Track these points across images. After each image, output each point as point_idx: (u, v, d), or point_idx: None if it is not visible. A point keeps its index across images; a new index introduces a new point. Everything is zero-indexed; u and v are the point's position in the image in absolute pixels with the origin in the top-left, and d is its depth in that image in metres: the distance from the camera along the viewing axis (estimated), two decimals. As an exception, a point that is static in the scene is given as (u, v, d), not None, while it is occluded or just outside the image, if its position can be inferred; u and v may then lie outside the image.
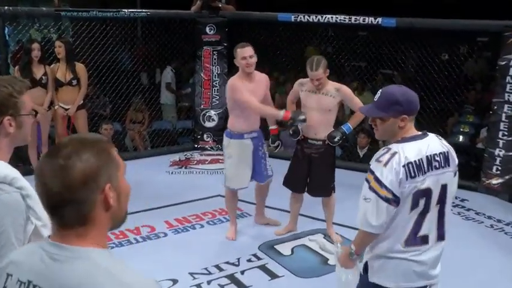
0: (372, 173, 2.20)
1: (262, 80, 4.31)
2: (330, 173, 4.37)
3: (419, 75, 7.20)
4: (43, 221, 1.65)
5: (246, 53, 4.08)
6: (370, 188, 2.20)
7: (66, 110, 5.71)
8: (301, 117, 4.13)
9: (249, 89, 4.12)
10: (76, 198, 1.13)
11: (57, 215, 1.16)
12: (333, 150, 4.38)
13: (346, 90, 4.24)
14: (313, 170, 4.31)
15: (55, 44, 5.70)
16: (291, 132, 4.29)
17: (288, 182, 4.46)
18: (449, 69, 6.96)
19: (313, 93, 4.19)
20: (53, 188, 1.12)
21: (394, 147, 2.23)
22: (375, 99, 2.28)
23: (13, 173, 1.63)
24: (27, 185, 1.64)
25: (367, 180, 2.22)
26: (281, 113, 4.13)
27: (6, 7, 5.91)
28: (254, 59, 4.10)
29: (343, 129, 4.24)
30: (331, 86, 4.22)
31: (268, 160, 4.47)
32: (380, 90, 2.29)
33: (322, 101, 4.17)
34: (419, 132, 2.31)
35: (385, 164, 2.17)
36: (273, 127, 4.50)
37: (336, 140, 4.21)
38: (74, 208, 1.14)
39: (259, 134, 4.37)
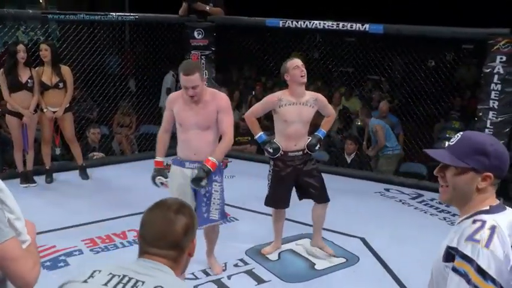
0: (469, 261, 1.47)
1: (210, 102, 3.55)
2: (321, 178, 4.24)
3: (406, 81, 7.26)
4: (16, 214, 1.70)
5: (187, 82, 3.43)
6: (471, 284, 1.46)
7: (54, 112, 5.67)
8: (274, 146, 4.07)
9: (188, 110, 3.55)
10: (177, 242, 1.50)
11: (161, 254, 1.49)
12: (312, 156, 4.29)
13: (323, 98, 4.16)
14: (305, 179, 4.15)
15: (40, 47, 5.65)
16: (271, 151, 4.08)
17: (270, 201, 4.26)
18: (436, 75, 7.03)
19: (293, 106, 4.00)
20: (161, 231, 1.50)
21: (487, 218, 1.57)
22: (450, 143, 1.67)
23: None
24: None
25: (458, 272, 1.48)
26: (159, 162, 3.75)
27: (-8, 9, 5.85)
28: (199, 88, 3.45)
29: (319, 135, 4.20)
30: (309, 95, 4.09)
31: (219, 202, 3.70)
32: (459, 133, 1.69)
33: (303, 113, 4.03)
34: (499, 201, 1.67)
35: (487, 245, 1.48)
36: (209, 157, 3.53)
37: (316, 148, 4.18)
38: (174, 251, 1.50)
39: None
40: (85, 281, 1.42)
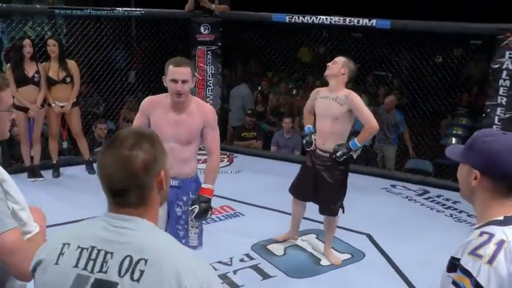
0: (469, 275, 1.41)
1: (196, 113, 3.07)
2: (336, 191, 3.99)
3: (413, 77, 7.22)
4: (20, 204, 1.70)
5: (177, 74, 2.96)
6: None
7: (61, 107, 5.69)
8: (307, 139, 4.06)
9: (168, 119, 3.06)
10: (139, 183, 1.31)
11: (122, 197, 1.32)
12: (343, 166, 3.96)
13: (353, 97, 3.82)
14: (319, 184, 4.01)
15: (48, 42, 5.66)
16: (303, 143, 4.20)
17: (291, 187, 4.25)
18: (443, 71, 6.99)
19: (324, 99, 3.90)
20: (119, 175, 1.30)
21: (497, 231, 1.45)
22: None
23: None
24: (2, 170, 1.69)
25: (457, 286, 1.43)
26: None
27: (0, 4, 5.87)
28: (188, 85, 2.98)
29: (349, 144, 3.87)
30: (343, 92, 3.84)
31: (197, 225, 3.24)
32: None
33: (330, 108, 3.84)
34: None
35: (490, 261, 1.39)
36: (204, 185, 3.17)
37: (338, 154, 3.86)
38: (137, 192, 1.32)
39: (187, 185, 3.16)
40: (56, 263, 1.30)
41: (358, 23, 6.14)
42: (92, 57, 6.85)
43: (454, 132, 7.78)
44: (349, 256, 4.24)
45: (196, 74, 7.13)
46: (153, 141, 1.35)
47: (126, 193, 1.31)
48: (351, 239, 4.53)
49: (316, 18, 6.32)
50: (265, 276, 3.90)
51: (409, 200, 5.64)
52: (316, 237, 4.54)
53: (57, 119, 5.74)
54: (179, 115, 3.03)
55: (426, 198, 5.67)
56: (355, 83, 8.57)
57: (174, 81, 2.94)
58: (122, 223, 1.31)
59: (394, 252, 4.29)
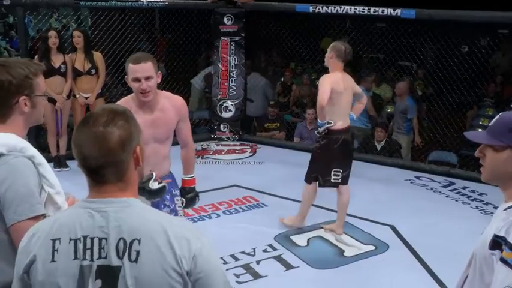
0: None
1: (169, 108, 2.93)
2: (310, 161, 4.39)
3: (439, 68, 7.12)
4: (56, 188, 1.74)
5: (138, 72, 2.73)
6: None
7: (86, 98, 5.77)
8: None
9: (144, 121, 2.67)
10: (116, 160, 1.31)
11: (99, 176, 1.31)
12: (323, 141, 4.25)
13: (321, 78, 4.22)
14: None
15: (73, 33, 5.74)
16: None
17: None
18: (469, 61, 6.87)
19: None
20: (95, 153, 1.29)
21: None
22: (490, 124, 1.64)
23: (23, 143, 1.72)
24: (38, 154, 1.73)
25: (507, 263, 1.44)
26: None
27: (26, -4, 5.96)
28: (153, 82, 2.76)
29: (319, 122, 4.22)
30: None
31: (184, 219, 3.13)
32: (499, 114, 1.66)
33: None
34: None
35: None
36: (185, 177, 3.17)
37: (316, 131, 4.34)
38: (114, 168, 1.31)
39: (170, 182, 3.02)
40: (53, 260, 1.29)
41: (382, 12, 6.07)
42: (116, 48, 6.90)
43: (481, 123, 7.65)
44: (373, 248, 4.22)
45: (219, 65, 7.14)
46: (127, 117, 1.35)
47: (103, 170, 1.31)
48: (374, 230, 4.51)
49: (340, 8, 6.27)
50: (288, 266, 3.91)
51: (434, 191, 5.58)
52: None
53: (82, 110, 5.82)
54: (153, 114, 2.85)
55: (451, 190, 5.60)
56: (379, 73, 8.51)
57: (137, 80, 2.72)
58: (105, 206, 1.30)
59: (419, 244, 4.25)
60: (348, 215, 4.73)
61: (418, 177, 5.96)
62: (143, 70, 2.70)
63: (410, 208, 5.02)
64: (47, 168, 1.73)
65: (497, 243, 1.49)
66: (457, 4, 6.11)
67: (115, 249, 1.27)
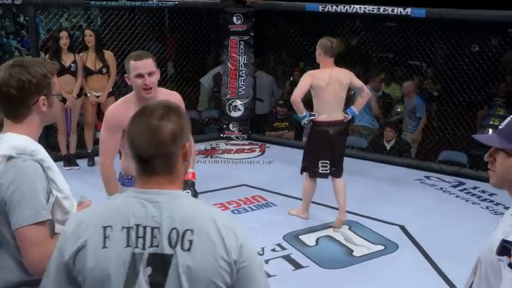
0: None
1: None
2: (303, 153, 4.63)
3: (449, 67, 7.06)
4: (64, 193, 1.72)
5: (142, 68, 2.75)
6: None
7: (97, 97, 5.80)
8: None
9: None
10: (166, 152, 1.37)
11: (149, 166, 1.37)
12: (309, 132, 4.63)
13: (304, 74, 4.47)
14: None
15: (85, 32, 5.78)
16: None
17: None
18: (480, 61, 6.82)
19: None
20: (147, 144, 1.35)
21: None
22: (500, 127, 1.57)
23: (34, 146, 1.70)
24: (48, 158, 1.72)
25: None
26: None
27: (37, -4, 6.01)
28: (155, 77, 2.79)
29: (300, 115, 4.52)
30: None
31: None
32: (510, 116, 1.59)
33: None
34: None
35: None
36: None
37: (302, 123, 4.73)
38: (164, 160, 1.37)
39: None
40: (104, 247, 1.32)
41: (392, 11, 6.05)
42: (126, 47, 6.93)
43: (491, 123, 7.58)
44: (382, 248, 4.21)
45: (228, 64, 7.15)
46: (180, 113, 1.42)
47: (153, 161, 1.36)
48: (384, 230, 4.49)
49: (350, 7, 6.25)
50: (297, 266, 3.91)
51: (444, 191, 5.55)
52: (349, 228, 4.52)
53: (93, 108, 5.86)
54: None
55: (461, 190, 5.57)
56: (388, 73, 8.47)
57: (140, 75, 2.73)
58: (157, 197, 1.36)
59: (428, 244, 4.24)
60: (357, 214, 4.74)
61: (427, 177, 5.94)
62: (145, 66, 2.73)
63: (419, 208, 5.00)
64: (56, 172, 1.72)
65: (505, 248, 1.44)
66: (467, 3, 6.07)
67: (167, 239, 1.33)
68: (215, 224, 1.35)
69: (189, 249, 1.32)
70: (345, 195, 4.52)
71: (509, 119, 1.56)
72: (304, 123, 4.58)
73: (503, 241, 1.45)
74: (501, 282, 1.43)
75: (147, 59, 2.76)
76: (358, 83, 4.53)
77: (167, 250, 1.32)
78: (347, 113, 4.53)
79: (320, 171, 4.46)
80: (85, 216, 1.40)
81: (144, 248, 1.33)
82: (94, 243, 1.33)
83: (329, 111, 4.39)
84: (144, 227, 1.34)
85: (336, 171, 4.52)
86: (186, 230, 1.33)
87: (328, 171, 4.47)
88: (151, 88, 2.75)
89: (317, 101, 4.43)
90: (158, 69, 2.82)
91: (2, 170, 1.63)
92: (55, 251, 1.40)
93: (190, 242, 1.32)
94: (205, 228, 1.34)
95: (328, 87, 4.34)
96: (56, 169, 1.72)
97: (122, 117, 2.70)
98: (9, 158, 1.64)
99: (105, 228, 1.34)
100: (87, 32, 5.76)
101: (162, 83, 7.69)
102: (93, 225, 1.36)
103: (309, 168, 4.52)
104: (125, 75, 2.82)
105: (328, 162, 4.44)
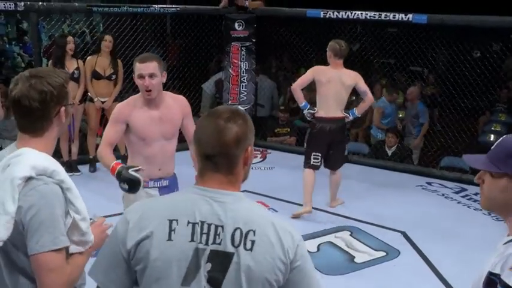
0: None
1: (173, 105, 3.07)
2: None
3: (450, 73, 7.07)
4: (82, 214, 1.67)
5: (142, 69, 2.88)
6: None
7: (102, 103, 5.81)
8: None
9: (151, 117, 2.96)
10: (229, 152, 1.43)
11: (212, 162, 1.44)
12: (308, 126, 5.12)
13: None
14: None
15: (105, 37, 5.78)
16: None
17: None
18: (482, 66, 6.82)
19: None
20: (212, 142, 1.42)
21: None
22: (491, 148, 1.53)
23: (54, 166, 1.64)
24: (68, 178, 1.66)
25: None
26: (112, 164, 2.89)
27: (40, 3, 6.04)
28: (156, 80, 2.89)
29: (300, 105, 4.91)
30: None
31: None
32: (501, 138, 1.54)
33: None
34: None
35: None
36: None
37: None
38: (226, 159, 1.44)
39: (173, 183, 3.18)
40: (169, 239, 1.38)
41: (394, 17, 6.05)
42: (128, 54, 6.95)
43: (493, 128, 7.57)
44: (384, 254, 4.20)
45: (230, 70, 7.16)
46: (245, 118, 1.48)
47: (216, 158, 1.43)
48: (385, 236, 4.48)
49: (351, 13, 6.26)
50: (298, 272, 3.89)
51: (446, 197, 5.54)
52: (350, 235, 4.51)
53: (96, 114, 5.86)
54: (159, 110, 2.99)
55: (463, 196, 5.56)
56: (390, 78, 8.47)
57: (141, 76, 2.88)
58: (222, 197, 1.43)
59: (430, 250, 4.23)
60: (358, 220, 4.74)
61: (429, 183, 5.93)
62: (147, 68, 2.85)
63: (421, 214, 4.99)
64: (75, 193, 1.66)
65: (492, 281, 1.39)
66: (469, 9, 6.08)
67: (231, 238, 1.38)
68: (274, 226, 1.42)
69: (251, 249, 1.38)
70: (337, 186, 4.97)
71: (499, 140, 1.52)
72: (307, 116, 4.86)
73: (490, 273, 1.41)
74: None
75: (150, 62, 2.88)
76: (363, 87, 4.72)
77: (229, 248, 1.38)
78: (348, 114, 4.77)
79: (312, 162, 4.77)
80: (147, 209, 1.45)
81: (207, 244, 1.38)
82: (159, 235, 1.39)
83: (326, 107, 4.68)
84: (209, 224, 1.39)
85: (333, 165, 4.86)
86: (249, 231, 1.39)
87: (319, 163, 4.77)
88: (151, 90, 2.88)
89: (318, 97, 4.77)
90: (165, 72, 2.93)
91: (22, 192, 1.56)
92: (112, 241, 1.44)
93: (253, 242, 1.39)
94: (265, 229, 1.41)
95: (329, 84, 4.63)
96: (75, 190, 1.66)
97: (128, 112, 2.98)
98: (29, 178, 1.57)
99: (171, 221, 1.40)
100: (108, 37, 5.79)
101: (163, 89, 7.74)
102: (158, 217, 1.41)
103: (304, 159, 4.86)
104: (133, 74, 2.98)
105: (319, 155, 4.75)
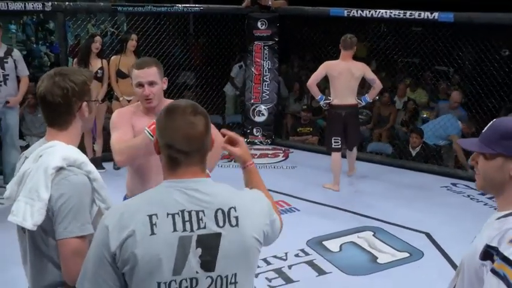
0: (508, 262, 1.37)
1: None
2: None
3: (477, 72, 6.95)
4: (107, 203, 1.79)
5: (141, 77, 2.55)
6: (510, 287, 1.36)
7: (128, 101, 5.86)
8: None
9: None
10: (202, 143, 1.49)
11: (188, 158, 1.48)
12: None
13: None
14: None
15: (131, 37, 5.84)
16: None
17: None
18: (511, 65, 6.68)
19: None
20: (187, 138, 1.46)
21: None
22: (483, 131, 1.60)
23: (82, 158, 1.77)
24: (94, 169, 1.80)
25: (498, 274, 1.38)
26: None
27: (67, 3, 6.13)
28: (157, 88, 2.57)
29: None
30: None
31: None
32: (492, 121, 1.61)
33: None
34: None
35: None
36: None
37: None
38: (200, 152, 1.50)
39: None
40: (152, 233, 1.39)
41: (419, 16, 5.97)
42: (151, 53, 7.00)
43: (521, 129, 7.41)
44: (407, 255, 4.14)
45: (253, 69, 7.17)
46: (203, 108, 1.55)
47: (192, 153, 1.48)
48: (409, 237, 4.42)
49: (376, 12, 6.20)
50: (320, 272, 3.87)
51: (471, 199, 5.44)
52: (373, 235, 4.46)
53: (123, 112, 5.92)
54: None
55: (490, 198, 5.43)
56: (414, 78, 8.36)
57: (140, 85, 2.54)
58: (195, 185, 1.47)
59: (455, 252, 4.14)
60: (382, 221, 4.70)
61: (454, 184, 5.83)
62: (146, 75, 2.53)
63: (446, 215, 4.91)
64: (101, 183, 1.79)
65: (488, 253, 1.44)
66: (497, 6, 5.96)
67: (214, 219, 1.43)
68: (249, 199, 1.55)
69: (237, 225, 1.45)
70: (353, 159, 5.71)
71: (490, 123, 1.58)
72: (323, 106, 5.46)
73: (487, 246, 1.45)
74: (483, 286, 1.42)
75: (149, 68, 2.54)
76: (370, 75, 5.34)
77: (215, 230, 1.43)
78: (361, 100, 5.37)
79: (333, 146, 5.33)
80: (124, 209, 1.46)
81: (192, 231, 1.41)
82: (142, 232, 1.39)
83: (341, 96, 5.25)
84: (189, 212, 1.43)
85: (350, 145, 5.54)
86: (230, 208, 1.46)
87: (340, 146, 5.34)
88: (151, 99, 2.55)
89: (331, 88, 5.34)
90: (165, 78, 2.64)
91: (53, 181, 1.68)
92: (94, 248, 1.44)
93: (237, 217, 1.45)
94: (243, 203, 1.49)
95: (340, 76, 5.19)
96: (101, 181, 1.79)
97: (130, 116, 2.63)
98: (60, 169, 1.70)
99: (150, 216, 1.41)
100: (134, 36, 5.86)
101: (186, 88, 7.78)
102: (137, 214, 1.42)
103: (326, 144, 5.48)
104: (131, 82, 2.64)
105: (339, 138, 5.31)
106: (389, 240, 4.37)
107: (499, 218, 1.51)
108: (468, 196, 5.51)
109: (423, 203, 5.19)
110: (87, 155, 5.07)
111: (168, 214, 1.41)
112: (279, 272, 3.83)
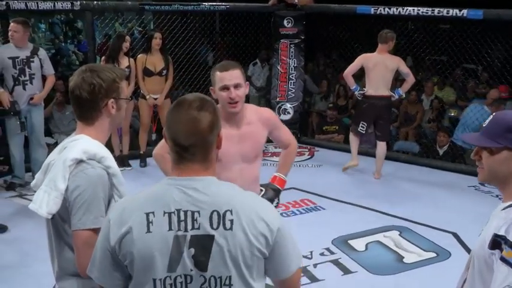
0: None
1: (255, 122, 2.63)
2: None
3: (507, 70, 6.82)
4: None
5: (227, 80, 2.48)
6: None
7: (155, 99, 5.93)
8: None
9: (230, 136, 2.42)
10: (205, 140, 1.47)
11: (189, 153, 1.47)
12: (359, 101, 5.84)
13: None
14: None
15: (155, 35, 5.89)
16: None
17: None
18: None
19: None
20: (188, 133, 1.45)
21: None
22: (484, 125, 1.62)
23: (103, 152, 1.80)
24: (115, 165, 1.82)
25: (507, 262, 1.42)
26: None
27: (95, 2, 6.22)
28: (242, 91, 2.50)
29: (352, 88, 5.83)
30: None
31: None
32: (493, 114, 1.64)
33: None
34: None
35: None
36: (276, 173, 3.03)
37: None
38: (202, 148, 1.47)
39: None
40: (148, 231, 1.41)
41: (447, 13, 5.89)
42: (178, 51, 7.06)
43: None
44: (434, 255, 4.10)
45: (279, 67, 7.17)
46: (214, 105, 1.52)
47: (193, 149, 1.46)
48: (436, 237, 4.38)
49: (403, 9, 6.14)
50: (346, 271, 3.86)
51: (500, 198, 5.26)
52: (399, 234, 4.43)
53: (150, 110, 5.98)
54: (240, 128, 2.55)
55: (519, 198, 5.35)
56: (442, 76, 8.24)
57: (225, 88, 2.45)
58: (195, 184, 1.45)
59: (483, 253, 4.09)
60: (408, 220, 4.66)
61: (482, 184, 5.74)
62: (232, 77, 2.46)
63: (474, 215, 4.81)
64: (120, 179, 1.82)
65: (497, 242, 1.47)
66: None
67: (208, 221, 1.41)
68: (249, 203, 1.47)
69: (231, 228, 1.41)
70: (381, 160, 5.72)
71: (491, 117, 1.62)
72: (358, 96, 5.71)
73: (495, 235, 1.48)
74: (493, 275, 1.45)
75: (233, 69, 2.48)
76: (405, 69, 5.55)
77: (209, 231, 1.41)
78: (394, 93, 5.59)
79: (359, 129, 5.69)
80: (127, 204, 1.49)
81: (186, 231, 1.41)
82: (138, 229, 1.42)
83: (375, 87, 5.50)
84: (185, 211, 1.42)
85: (381, 137, 5.71)
86: (226, 211, 1.42)
87: (364, 131, 5.70)
88: (237, 102, 2.46)
89: (367, 79, 5.62)
90: (247, 82, 2.56)
91: (72, 173, 1.73)
92: (100, 238, 1.49)
93: (231, 221, 1.41)
94: (242, 207, 1.43)
95: (375, 68, 5.44)
96: (120, 177, 1.82)
97: None
98: (80, 161, 1.74)
99: (147, 214, 1.43)
100: (158, 34, 5.89)
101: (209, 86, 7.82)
102: (136, 212, 1.44)
103: (353, 125, 5.83)
104: (211, 87, 2.56)
105: (366, 124, 5.66)
106: (416, 239, 4.33)
107: (505, 208, 1.55)
108: (496, 196, 5.41)
109: (450, 202, 5.13)
110: (114, 153, 5.09)
111: (164, 213, 1.42)
112: (304, 270, 3.82)
